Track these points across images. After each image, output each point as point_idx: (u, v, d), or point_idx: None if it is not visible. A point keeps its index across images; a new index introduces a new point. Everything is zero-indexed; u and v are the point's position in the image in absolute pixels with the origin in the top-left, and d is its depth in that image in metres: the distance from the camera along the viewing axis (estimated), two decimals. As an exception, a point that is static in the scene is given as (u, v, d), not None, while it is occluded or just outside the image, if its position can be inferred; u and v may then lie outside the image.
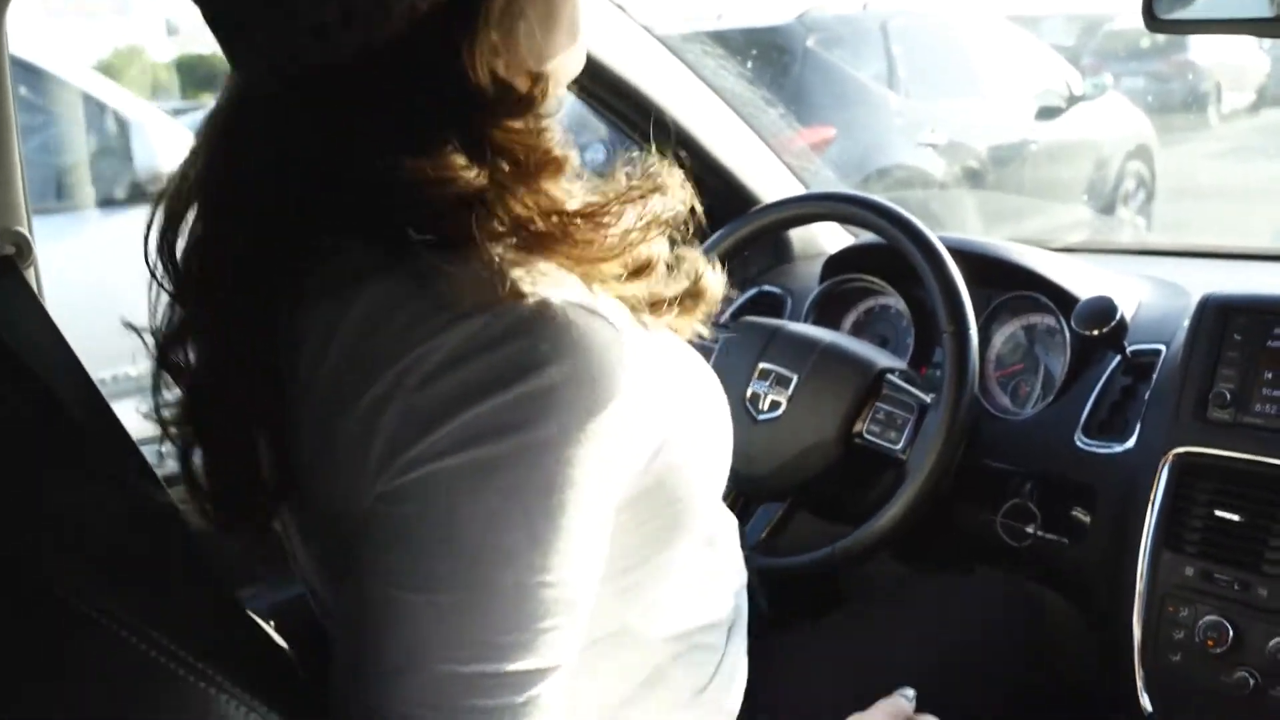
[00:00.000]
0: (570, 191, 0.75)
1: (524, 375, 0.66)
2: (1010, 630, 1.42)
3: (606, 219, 0.74)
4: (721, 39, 5.06)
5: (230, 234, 0.76)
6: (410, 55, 0.69)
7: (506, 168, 0.71)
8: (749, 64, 5.20)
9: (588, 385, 0.68)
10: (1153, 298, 1.59)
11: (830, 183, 2.67)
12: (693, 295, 0.86)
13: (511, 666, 0.67)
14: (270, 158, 0.73)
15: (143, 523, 0.85)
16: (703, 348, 1.61)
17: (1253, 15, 1.20)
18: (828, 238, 2.00)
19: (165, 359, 0.83)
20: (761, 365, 1.50)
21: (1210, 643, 1.25)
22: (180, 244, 0.81)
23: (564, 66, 0.79)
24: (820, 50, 5.51)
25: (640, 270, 0.79)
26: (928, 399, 1.44)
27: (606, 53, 1.64)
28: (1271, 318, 1.32)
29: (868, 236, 1.73)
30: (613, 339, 0.70)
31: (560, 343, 0.67)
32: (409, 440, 0.68)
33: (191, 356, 0.82)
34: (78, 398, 1.10)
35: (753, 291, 1.90)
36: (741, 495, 1.53)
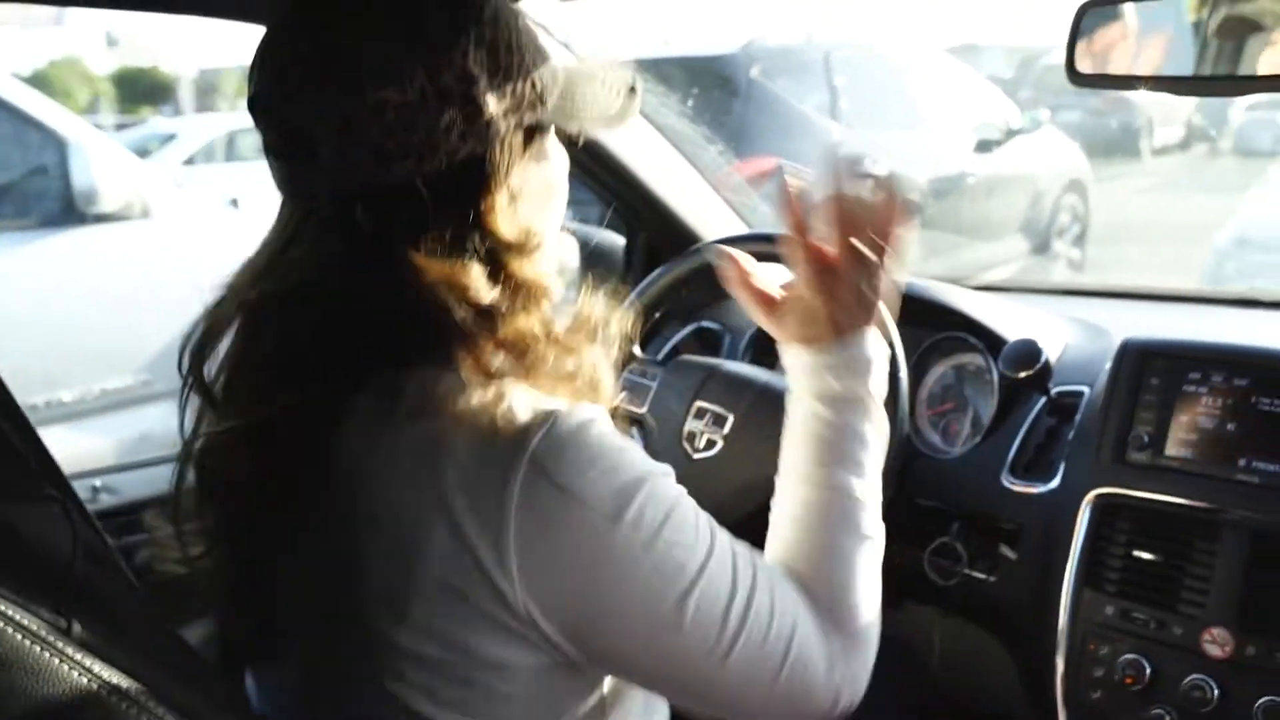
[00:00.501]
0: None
1: None
2: (937, 666, 1.45)
3: (573, 348, 0.90)
4: (667, 67, 5.11)
5: (281, 347, 0.88)
6: (446, 188, 0.85)
7: (513, 290, 0.88)
8: (693, 92, 5.25)
9: None
10: (1078, 340, 1.63)
11: (769, 219, 2.70)
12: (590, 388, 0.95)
13: None
14: (323, 269, 0.87)
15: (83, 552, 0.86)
16: (640, 385, 1.65)
17: (1175, 73, 1.24)
18: (765, 274, 2.02)
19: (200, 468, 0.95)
20: (698, 404, 1.52)
21: (1129, 680, 1.28)
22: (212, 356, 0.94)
23: (556, 224, 0.98)
24: (764, 80, 5.56)
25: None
26: None
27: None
28: (1187, 362, 1.36)
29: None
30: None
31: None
32: None
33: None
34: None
35: (691, 327, 1.92)
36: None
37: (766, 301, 1.11)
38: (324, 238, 0.88)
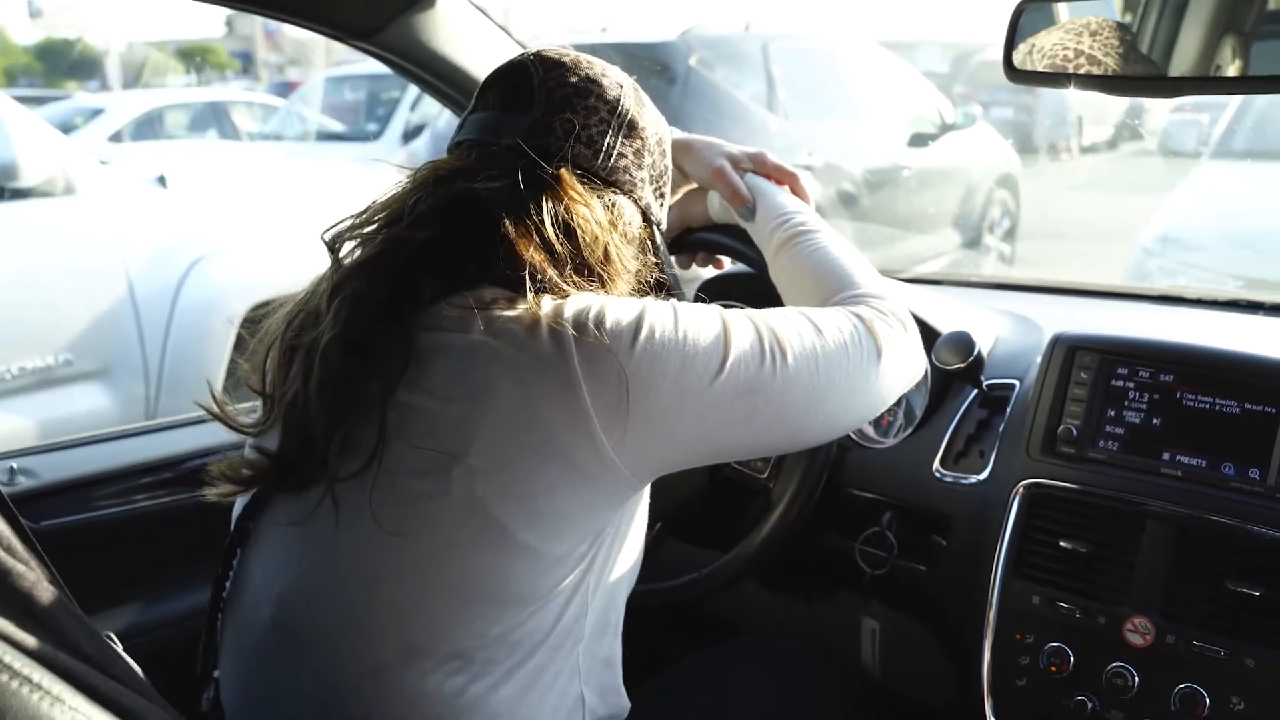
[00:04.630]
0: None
1: None
2: (867, 655, 1.46)
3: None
4: (605, 54, 5.09)
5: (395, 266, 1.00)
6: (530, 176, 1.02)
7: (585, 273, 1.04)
8: (632, 79, 5.22)
9: None
10: (1009, 333, 1.65)
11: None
12: None
13: None
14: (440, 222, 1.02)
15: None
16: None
17: (1106, 73, 1.26)
18: (702, 263, 2.02)
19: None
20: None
21: (1054, 668, 1.31)
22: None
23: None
24: (702, 69, 5.57)
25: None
26: None
27: (476, 66, 1.63)
28: (1115, 358, 1.39)
29: (740, 264, 1.76)
30: None
31: None
32: None
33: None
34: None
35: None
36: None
37: None
38: (504, 172, 1.03)
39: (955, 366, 1.49)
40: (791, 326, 1.05)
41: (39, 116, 4.22)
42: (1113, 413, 1.37)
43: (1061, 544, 1.33)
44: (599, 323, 0.95)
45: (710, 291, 1.81)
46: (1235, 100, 5.30)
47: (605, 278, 1.04)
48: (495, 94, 1.09)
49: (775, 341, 1.02)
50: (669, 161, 1.17)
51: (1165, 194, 5.24)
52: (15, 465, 1.58)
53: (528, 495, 0.93)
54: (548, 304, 0.97)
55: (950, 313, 1.64)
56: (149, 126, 8.50)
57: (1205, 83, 1.25)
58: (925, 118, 6.46)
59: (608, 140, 1.07)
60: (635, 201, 1.10)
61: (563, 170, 1.03)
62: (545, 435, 0.93)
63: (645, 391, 0.94)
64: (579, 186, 1.04)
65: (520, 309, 0.97)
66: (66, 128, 7.36)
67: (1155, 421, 1.34)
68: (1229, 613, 1.23)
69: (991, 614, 1.36)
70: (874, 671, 1.61)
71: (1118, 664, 1.27)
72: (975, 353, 1.48)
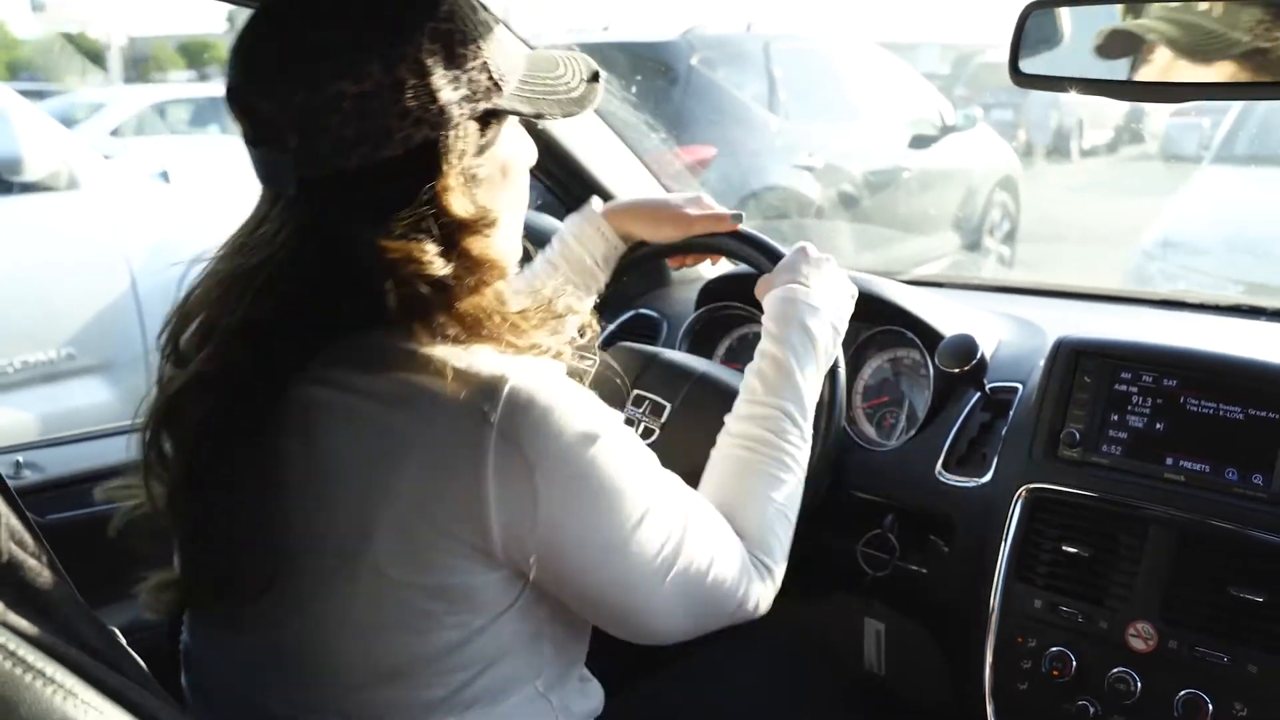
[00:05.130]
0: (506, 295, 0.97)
1: None
2: (868, 657, 1.46)
3: (532, 321, 0.96)
4: (607, 53, 5.09)
5: (249, 316, 0.92)
6: (402, 171, 0.90)
7: (467, 265, 0.93)
8: (634, 79, 5.24)
9: None
10: (1012, 336, 1.65)
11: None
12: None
13: None
14: (288, 246, 0.92)
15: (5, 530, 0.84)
16: (578, 371, 1.64)
17: (1111, 77, 1.26)
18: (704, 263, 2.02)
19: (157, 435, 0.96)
20: (636, 392, 1.52)
21: (1055, 673, 1.31)
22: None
23: (515, 206, 1.04)
24: (704, 69, 5.57)
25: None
26: None
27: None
28: (1119, 362, 1.39)
29: (742, 264, 1.77)
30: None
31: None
32: None
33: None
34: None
35: (629, 314, 1.92)
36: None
37: None
38: (292, 218, 0.93)
39: (958, 370, 1.49)
40: (706, 537, 1.04)
41: (41, 110, 4.22)
42: (1116, 417, 1.37)
43: (1064, 548, 1.34)
44: (533, 424, 0.89)
45: (711, 293, 1.82)
46: (1236, 105, 5.31)
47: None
48: None
49: (681, 540, 1.00)
50: None
51: (1166, 198, 5.25)
52: (21, 459, 1.58)
53: (437, 580, 0.90)
54: (456, 359, 0.90)
55: (953, 316, 1.64)
56: (151, 122, 8.50)
57: (1209, 88, 1.26)
58: (926, 119, 6.46)
59: None
60: None
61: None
62: (445, 531, 0.89)
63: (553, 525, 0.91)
64: None
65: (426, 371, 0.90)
66: (68, 121, 7.36)
67: (1158, 426, 1.34)
68: (1231, 618, 1.23)
69: (993, 617, 1.36)
70: (878, 673, 1.62)
71: (1120, 669, 1.27)
72: (978, 356, 1.49)
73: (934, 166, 6.37)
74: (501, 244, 1.00)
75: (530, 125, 1.05)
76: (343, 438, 0.91)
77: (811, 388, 1.25)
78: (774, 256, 1.41)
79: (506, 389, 0.89)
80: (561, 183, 1.91)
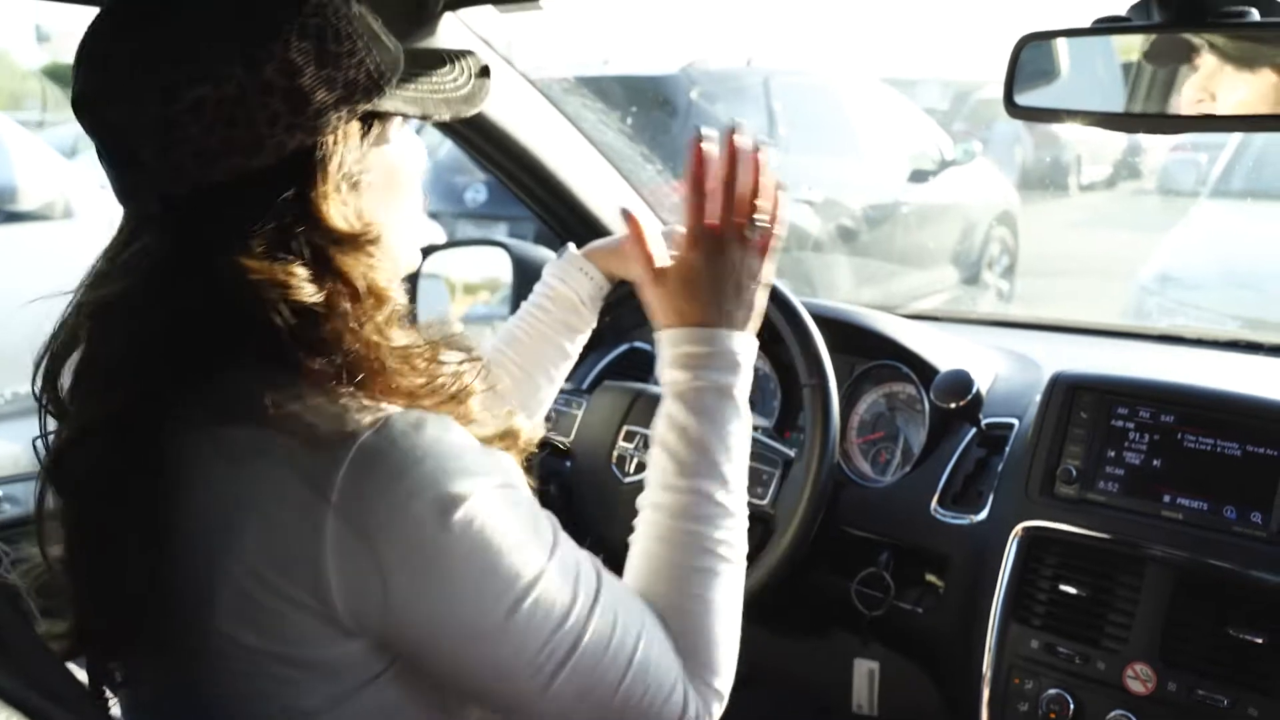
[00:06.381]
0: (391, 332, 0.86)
1: None
2: (862, 697, 1.43)
3: (419, 362, 0.86)
4: (607, 86, 5.11)
5: (111, 353, 0.85)
6: (275, 183, 0.82)
7: (343, 291, 0.83)
8: (632, 111, 5.25)
9: None
10: (1008, 371, 1.64)
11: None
12: (503, 437, 0.92)
13: None
14: (150, 272, 0.84)
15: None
16: (565, 414, 1.62)
17: (1106, 109, 1.25)
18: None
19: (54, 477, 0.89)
20: (626, 427, 1.50)
21: (1052, 715, 1.28)
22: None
23: (403, 220, 0.94)
24: (703, 103, 5.59)
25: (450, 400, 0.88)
26: (791, 453, 1.46)
27: (487, 104, 1.63)
28: (1116, 397, 1.37)
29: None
30: None
31: None
32: None
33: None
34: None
35: (624, 348, 1.90)
36: (607, 556, 1.52)
37: (653, 267, 1.10)
38: (154, 240, 0.85)
39: (953, 405, 1.47)
40: (620, 634, 0.88)
41: (42, 140, 4.23)
42: (1113, 453, 1.35)
43: (1060, 587, 1.31)
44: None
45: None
46: (1233, 140, 5.32)
47: None
48: None
49: (580, 634, 0.85)
50: None
51: (1164, 232, 5.24)
52: (2, 492, 1.56)
53: (285, 650, 0.82)
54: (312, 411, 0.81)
55: (949, 350, 1.63)
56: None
57: (1205, 120, 1.24)
58: (925, 154, 6.48)
59: None
60: None
61: None
62: (289, 600, 0.81)
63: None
64: None
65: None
66: (70, 152, 7.36)
67: (1156, 463, 1.32)
68: (1231, 660, 1.20)
69: (989, 658, 1.34)
70: (869, 714, 1.59)
71: (1118, 712, 1.24)
72: (974, 391, 1.47)
73: (933, 201, 6.38)
74: (385, 268, 0.89)
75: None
76: (198, 491, 0.83)
77: (738, 446, 1.03)
78: None
79: (353, 452, 0.79)
80: (556, 215, 1.90)
